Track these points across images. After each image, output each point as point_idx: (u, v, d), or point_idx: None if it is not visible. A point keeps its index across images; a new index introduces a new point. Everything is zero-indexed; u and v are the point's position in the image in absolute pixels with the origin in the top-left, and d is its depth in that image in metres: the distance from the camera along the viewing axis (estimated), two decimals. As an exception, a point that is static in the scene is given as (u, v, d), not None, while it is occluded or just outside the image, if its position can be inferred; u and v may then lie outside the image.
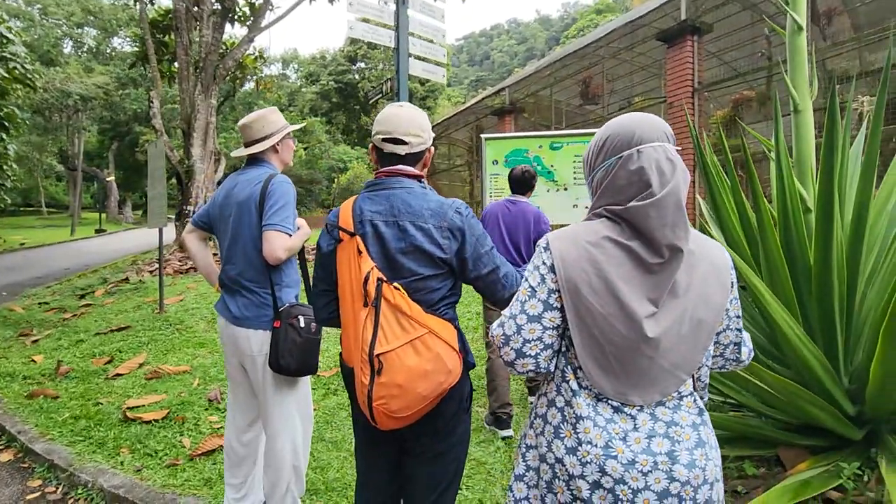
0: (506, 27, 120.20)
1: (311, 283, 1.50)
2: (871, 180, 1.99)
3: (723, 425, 2.26)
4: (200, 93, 10.18)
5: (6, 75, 10.08)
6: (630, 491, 0.88)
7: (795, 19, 2.48)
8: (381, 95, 5.45)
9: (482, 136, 4.61)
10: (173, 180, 10.95)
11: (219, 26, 10.57)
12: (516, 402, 3.28)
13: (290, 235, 1.82)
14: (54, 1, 30.51)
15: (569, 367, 0.99)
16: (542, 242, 1.01)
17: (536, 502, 1.01)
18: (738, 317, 1.04)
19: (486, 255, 1.37)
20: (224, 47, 11.61)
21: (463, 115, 13.99)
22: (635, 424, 0.92)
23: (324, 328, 1.52)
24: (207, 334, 4.72)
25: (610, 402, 0.94)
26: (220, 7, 10.53)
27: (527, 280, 1.00)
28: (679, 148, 1.02)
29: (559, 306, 0.97)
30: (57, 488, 2.56)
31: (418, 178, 1.43)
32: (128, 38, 30.41)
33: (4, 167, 12.81)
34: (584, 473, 0.90)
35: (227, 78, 12.32)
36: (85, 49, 34.09)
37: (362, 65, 37.52)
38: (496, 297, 1.39)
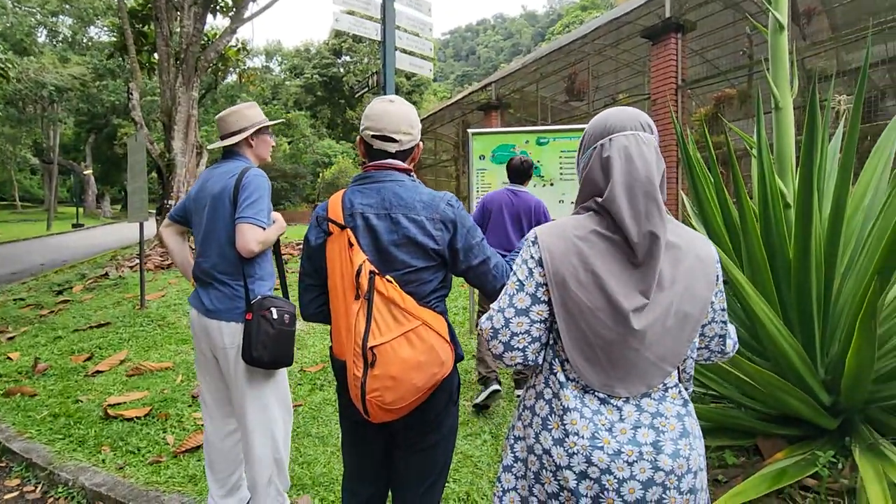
0: (492, 22, 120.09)
1: (298, 279, 1.49)
2: (848, 177, 2.04)
3: (704, 416, 2.31)
4: (181, 85, 9.98)
5: (-23, 64, 9.74)
6: (616, 480, 0.89)
7: (778, 18, 2.53)
8: (367, 89, 5.41)
9: (469, 130, 4.61)
10: (154, 174, 10.73)
11: (200, 17, 10.35)
12: (503, 395, 3.30)
13: (264, 228, 1.82)
14: (28, -12, 29.54)
15: (556, 359, 1.00)
16: (529, 236, 1.02)
17: (524, 493, 1.02)
18: (723, 310, 1.05)
19: (477, 247, 1.39)
20: (206, 38, 11.39)
21: (449, 110, 13.97)
22: (621, 416, 0.94)
23: (307, 322, 1.52)
24: (190, 330, 4.65)
25: (597, 393, 0.96)
26: (201, -3, 10.32)
27: (515, 274, 1.01)
28: (656, 138, 1.03)
29: (547, 300, 0.98)
30: (36, 487, 2.51)
31: (407, 171, 1.43)
32: (105, 28, 29.61)
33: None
34: (571, 464, 0.92)
35: (209, 70, 12.09)
36: (60, 38, 33.06)
37: (347, 58, 37.15)
38: (487, 288, 1.40)
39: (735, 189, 2.17)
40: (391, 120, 1.37)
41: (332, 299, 1.38)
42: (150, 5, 10.81)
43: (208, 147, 2.03)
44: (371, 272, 1.27)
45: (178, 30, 10.28)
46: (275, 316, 1.78)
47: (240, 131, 1.96)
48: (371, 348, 1.22)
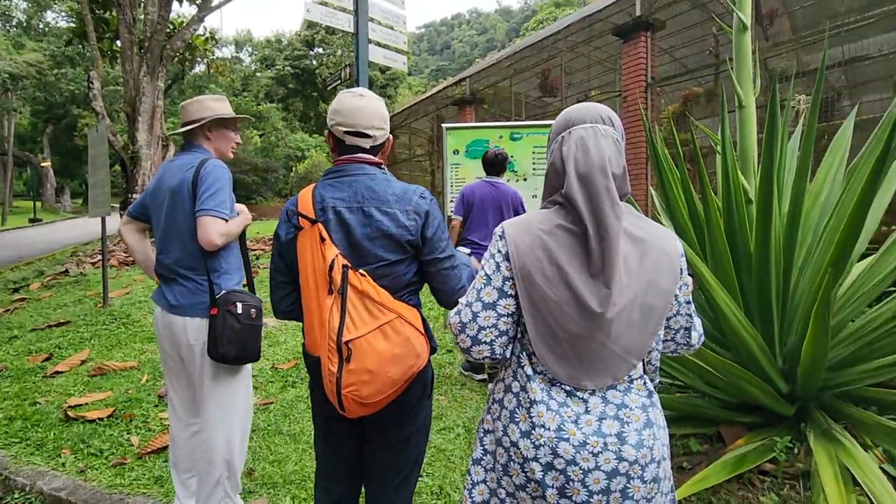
0: (466, 17, 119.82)
1: (269, 275, 1.46)
2: (805, 174, 2.12)
3: (670, 406, 2.38)
4: (146, 74, 9.63)
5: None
6: (581, 471, 0.91)
7: (741, 18, 2.60)
8: (339, 82, 5.32)
9: (443, 125, 4.59)
10: (117, 167, 10.33)
11: (166, 4, 9.98)
12: (475, 388, 3.33)
13: (227, 220, 1.78)
14: (-23, -31, 27.94)
15: (524, 353, 1.01)
16: (497, 231, 1.03)
17: (493, 485, 1.03)
18: (688, 302, 1.07)
19: (447, 242, 1.40)
20: (172, 27, 11.00)
21: (423, 104, 13.90)
22: (587, 408, 0.95)
23: (279, 319, 1.50)
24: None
25: (563, 386, 0.97)
26: (166, -17, 9.95)
27: (483, 268, 1.02)
28: (618, 132, 1.04)
29: (514, 294, 0.99)
30: (-10, 494, 2.40)
31: (378, 165, 1.43)
32: (63, 13, 28.26)
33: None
34: (538, 456, 0.93)
35: (176, 59, 11.70)
36: (14, 23, 31.39)
37: (320, 50, 36.46)
38: (448, 288, 1.39)
39: (700, 185, 2.23)
40: (364, 115, 1.36)
41: (304, 295, 1.36)
42: (111, -10, 10.38)
43: (167, 135, 1.97)
44: (344, 266, 1.26)
45: (142, 17, 9.91)
46: (240, 311, 1.74)
47: (197, 121, 1.90)
48: (346, 343, 1.22)
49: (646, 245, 0.98)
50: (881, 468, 1.82)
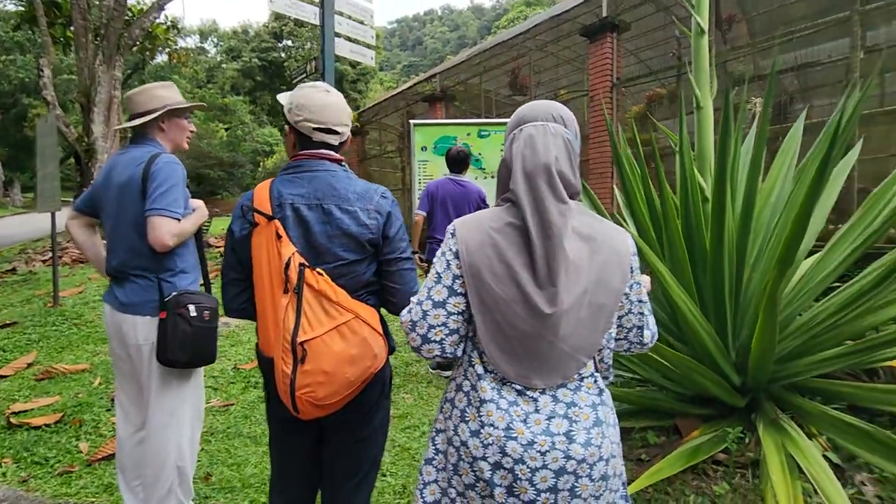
0: (439, 13, 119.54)
1: (221, 272, 1.41)
2: (756, 174, 2.20)
3: (630, 400, 2.44)
4: (102, 63, 9.19)
5: None
6: (528, 470, 0.91)
7: (699, 22, 2.67)
8: (304, 75, 5.21)
9: (411, 122, 4.57)
10: (72, 160, 9.83)
11: (122, -11, 9.54)
12: (442, 386, 3.32)
13: (179, 220, 1.71)
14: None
15: (475, 351, 1.01)
16: (450, 228, 1.02)
17: (444, 485, 1.03)
18: (640, 301, 1.06)
19: (406, 244, 1.39)
20: (130, 14, 10.54)
21: (394, 100, 13.79)
22: (537, 407, 0.95)
23: (232, 316, 1.46)
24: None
25: (514, 385, 0.97)
26: (123, -32, 9.51)
27: (434, 266, 1.01)
28: (570, 130, 1.04)
29: (464, 292, 0.98)
30: (-79, 508, 2.25)
31: (339, 161, 1.40)
32: (11, -4, 26.66)
33: None
34: (486, 455, 0.93)
35: (135, 48, 11.21)
36: (-44, 6, 29.46)
37: (289, 42, 35.67)
38: (407, 288, 1.38)
39: (658, 184, 2.28)
40: (333, 112, 1.34)
41: (258, 293, 1.32)
42: (62, -27, 9.86)
43: (115, 128, 1.88)
44: (301, 265, 1.24)
45: (98, 2, 9.44)
46: (192, 313, 1.68)
47: (148, 112, 1.81)
48: (301, 343, 1.19)
49: (596, 243, 0.98)
50: (824, 456, 1.91)
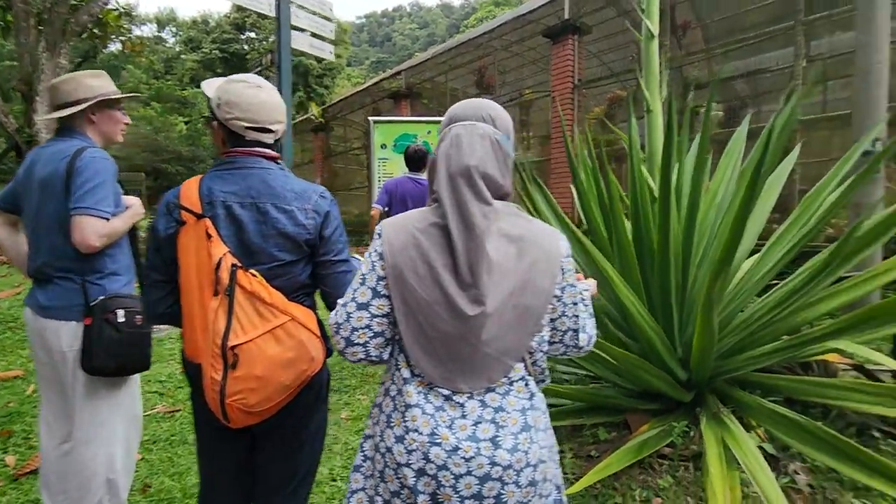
0: (408, 10, 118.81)
1: (143, 274, 1.34)
2: (701, 176, 2.27)
3: (581, 397, 2.48)
4: (45, 50, 8.65)
5: None
6: (452, 477, 0.89)
7: (649, 27, 2.74)
8: (260, 68, 5.05)
9: (371, 119, 4.51)
10: (13, 153, 9.24)
11: (68, -27, 9.01)
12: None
13: (108, 219, 1.61)
14: None
15: (402, 355, 0.99)
16: (378, 229, 0.99)
17: (371, 492, 1.00)
18: (574, 304, 1.04)
19: (344, 245, 1.35)
20: (77, -1, 9.98)
21: (359, 96, 13.62)
22: (464, 412, 0.93)
23: (154, 322, 1.38)
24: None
25: (441, 390, 0.95)
26: (68, -50, 8.99)
27: (360, 268, 0.98)
28: (501, 130, 1.03)
29: (388, 294, 0.96)
30: None
31: (275, 159, 1.35)
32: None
33: None
34: (410, 461, 0.91)
35: (83, 35, 10.64)
36: None
37: (252, 34, 34.64)
38: (340, 293, 1.33)
39: (606, 185, 2.32)
40: (267, 111, 1.29)
41: (184, 297, 1.26)
42: (0, -47, 9.24)
43: (36, 119, 1.76)
44: (233, 265, 1.18)
45: (40, -15, 8.88)
46: (121, 318, 1.59)
47: (77, 102, 1.69)
48: (232, 348, 1.14)
49: (524, 243, 0.96)
50: (761, 447, 1.99)
